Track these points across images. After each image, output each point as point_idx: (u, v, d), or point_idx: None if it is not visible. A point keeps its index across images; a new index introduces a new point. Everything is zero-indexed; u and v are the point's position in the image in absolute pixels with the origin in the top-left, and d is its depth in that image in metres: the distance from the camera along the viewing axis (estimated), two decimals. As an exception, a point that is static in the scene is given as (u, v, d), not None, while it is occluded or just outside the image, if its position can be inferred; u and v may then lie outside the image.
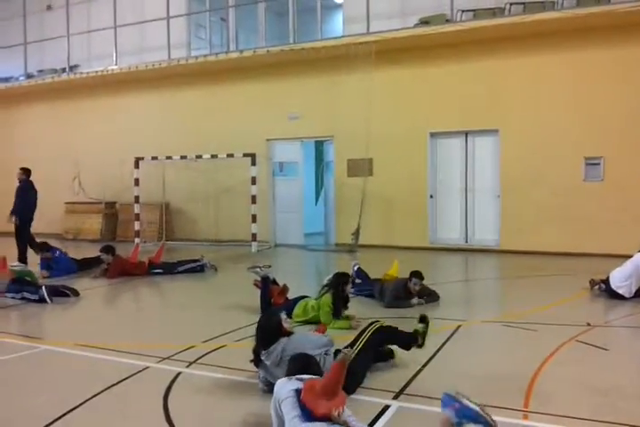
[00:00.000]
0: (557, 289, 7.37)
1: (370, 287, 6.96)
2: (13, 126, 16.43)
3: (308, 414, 2.78)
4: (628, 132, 10.04)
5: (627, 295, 6.40)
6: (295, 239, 12.77)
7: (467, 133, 11.57)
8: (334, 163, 12.64)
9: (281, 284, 6.42)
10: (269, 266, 6.54)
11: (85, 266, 9.33)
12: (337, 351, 3.90)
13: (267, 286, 6.26)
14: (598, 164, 10.37)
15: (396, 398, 3.73)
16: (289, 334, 3.98)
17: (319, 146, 14.25)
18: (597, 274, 7.13)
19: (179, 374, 4.31)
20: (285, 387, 3.01)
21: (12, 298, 7.21)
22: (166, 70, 13.46)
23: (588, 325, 5.43)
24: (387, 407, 3.57)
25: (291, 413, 2.83)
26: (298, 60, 12.23)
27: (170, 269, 8.95)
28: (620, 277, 6.46)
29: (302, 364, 3.35)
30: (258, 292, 6.86)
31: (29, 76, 15.39)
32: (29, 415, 3.62)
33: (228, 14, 13.41)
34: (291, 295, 6.28)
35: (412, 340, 4.21)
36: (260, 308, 6.19)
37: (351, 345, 3.96)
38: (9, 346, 5.16)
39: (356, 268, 7.57)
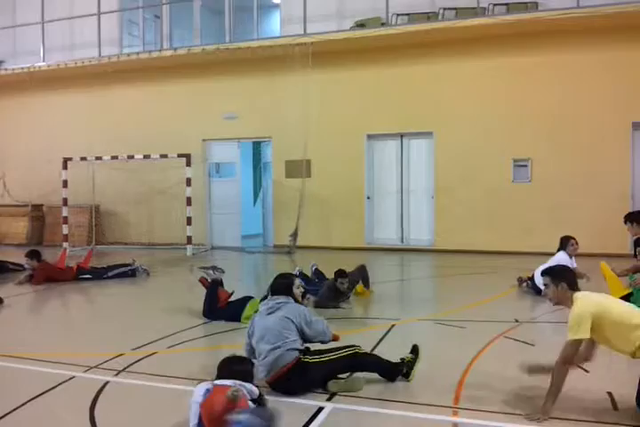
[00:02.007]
0: (487, 287, 7.61)
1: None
2: None
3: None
4: (555, 134, 10.52)
5: None
6: (232, 241, 12.60)
7: (402, 136, 11.78)
8: (272, 164, 12.57)
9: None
10: (223, 271, 6.39)
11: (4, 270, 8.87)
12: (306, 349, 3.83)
13: (215, 289, 6.14)
14: (526, 165, 10.81)
15: (329, 399, 3.72)
16: (296, 300, 4.03)
17: (257, 147, 14.15)
18: (525, 272, 7.42)
19: (106, 383, 4.14)
20: (199, 390, 2.97)
21: None
22: (97, 68, 12.97)
23: (516, 321, 5.63)
24: (320, 409, 3.56)
25: (191, 420, 2.92)
26: (234, 60, 12.09)
27: (99, 274, 8.61)
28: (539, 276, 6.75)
29: (230, 368, 3.25)
30: (193, 296, 6.73)
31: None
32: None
33: (161, 11, 13.09)
34: (233, 297, 6.20)
35: (396, 371, 3.91)
36: (203, 310, 6.07)
37: (319, 353, 3.83)
38: None
39: (314, 268, 7.61)
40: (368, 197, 11.90)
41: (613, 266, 6.01)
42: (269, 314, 3.92)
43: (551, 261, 6.73)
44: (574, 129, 10.43)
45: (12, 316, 6.73)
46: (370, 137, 11.90)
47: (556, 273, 3.51)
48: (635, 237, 5.99)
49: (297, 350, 3.77)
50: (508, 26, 10.14)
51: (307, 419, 3.41)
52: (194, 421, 2.91)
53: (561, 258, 6.71)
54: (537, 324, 5.77)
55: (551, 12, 9.82)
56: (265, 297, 5.47)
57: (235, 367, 3.24)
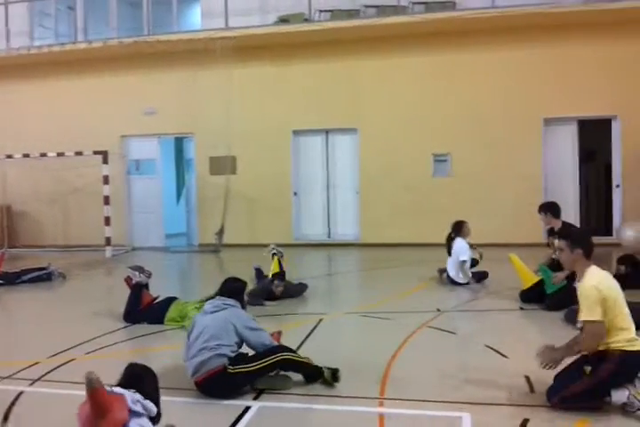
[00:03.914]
0: (410, 278, 7.82)
1: None
2: None
3: None
4: (472, 130, 10.95)
5: (461, 282, 6.94)
6: (155, 241, 12.23)
7: (327, 132, 11.86)
8: (195, 160, 12.30)
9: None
10: (150, 275, 6.15)
11: None
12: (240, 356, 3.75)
13: (139, 292, 5.91)
14: (445, 160, 11.18)
15: (256, 398, 3.68)
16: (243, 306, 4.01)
17: (179, 143, 13.79)
18: (444, 263, 7.65)
19: (20, 393, 3.90)
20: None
21: None
22: (5, 60, 12.18)
23: (438, 311, 5.82)
24: (248, 408, 3.52)
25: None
26: (154, 53, 11.71)
27: (12, 279, 8.09)
28: (450, 266, 7.05)
29: (128, 374, 3.07)
30: (113, 299, 6.48)
31: None
32: None
33: (75, 2, 12.45)
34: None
35: (317, 376, 3.84)
36: (125, 312, 5.85)
37: (247, 361, 3.73)
38: None
39: (256, 269, 7.56)
40: (295, 194, 11.90)
41: (522, 256, 6.34)
42: (212, 313, 3.86)
43: (454, 251, 7.00)
44: (490, 125, 10.90)
45: None
46: (295, 133, 11.90)
47: (574, 238, 3.39)
48: (547, 227, 6.31)
49: (226, 356, 3.67)
50: (426, 24, 10.43)
51: (233, 419, 3.36)
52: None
53: (462, 245, 7.01)
54: (457, 312, 5.98)
55: (467, 11, 10.19)
56: (210, 298, 5.40)
57: (135, 377, 3.05)
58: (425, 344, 4.75)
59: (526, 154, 10.83)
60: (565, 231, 3.68)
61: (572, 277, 5.80)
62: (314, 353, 4.04)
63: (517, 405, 3.40)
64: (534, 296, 5.92)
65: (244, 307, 4.08)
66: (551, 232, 6.09)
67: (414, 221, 11.10)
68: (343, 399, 3.62)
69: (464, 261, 6.93)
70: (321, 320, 5.63)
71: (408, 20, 10.51)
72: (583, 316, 3.15)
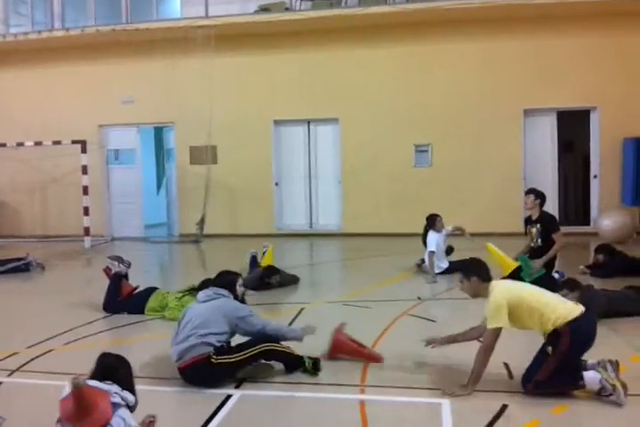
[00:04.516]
0: (392, 268, 7.87)
1: None
2: None
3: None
4: (453, 121, 10.99)
5: (437, 271, 6.99)
6: (135, 232, 12.10)
7: (309, 122, 11.82)
8: (175, 150, 12.18)
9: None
10: (129, 265, 6.10)
11: None
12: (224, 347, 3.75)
13: (119, 282, 5.89)
14: (426, 151, 11.23)
15: (237, 387, 3.69)
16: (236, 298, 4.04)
17: (158, 132, 13.63)
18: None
19: (-2, 384, 3.87)
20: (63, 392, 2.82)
21: None
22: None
23: (419, 299, 5.87)
24: (229, 397, 3.52)
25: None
26: (132, 41, 11.52)
27: (-11, 269, 7.98)
28: (426, 258, 7.14)
29: (103, 365, 3.03)
30: (92, 290, 6.43)
31: None
32: None
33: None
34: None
35: (297, 366, 3.89)
36: (104, 302, 5.82)
37: (231, 352, 3.75)
38: None
39: (251, 255, 7.45)
40: (276, 184, 11.86)
41: (501, 246, 6.39)
42: (204, 302, 3.92)
43: (430, 245, 7.08)
44: (470, 116, 10.95)
45: None
46: (277, 123, 11.83)
47: (464, 269, 3.67)
48: (527, 214, 6.33)
49: (212, 346, 3.68)
50: (407, 14, 10.41)
51: (214, 407, 3.37)
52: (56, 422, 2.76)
53: (431, 238, 7.10)
54: (437, 301, 6.04)
55: (448, 2, 10.15)
56: (192, 289, 5.35)
57: (109, 367, 3.03)
58: (405, 332, 4.79)
59: (506, 144, 10.92)
60: (459, 265, 4.08)
61: (549, 265, 5.92)
62: (295, 342, 4.05)
63: (496, 391, 3.45)
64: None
65: (236, 298, 4.09)
66: (528, 221, 6.16)
67: (396, 212, 11.14)
68: (324, 387, 3.65)
69: (432, 252, 7.01)
70: (302, 309, 5.65)
71: (389, 10, 10.48)
72: (489, 324, 3.43)
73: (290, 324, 5.10)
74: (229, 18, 10.84)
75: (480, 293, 3.58)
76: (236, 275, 4.21)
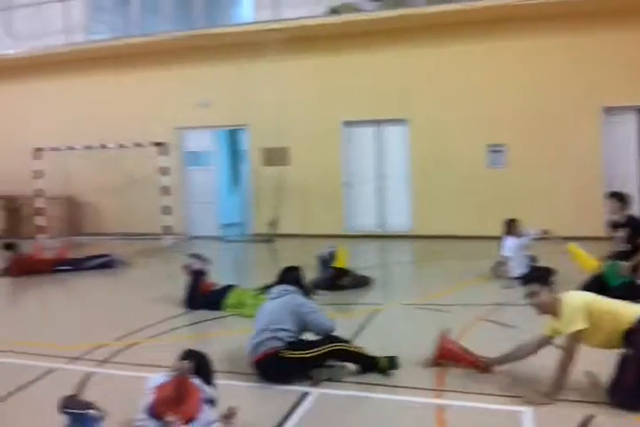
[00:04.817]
0: (465, 271, 7.69)
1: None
2: None
3: (152, 413, 2.86)
4: (529, 121, 10.62)
5: (515, 276, 6.77)
6: (210, 230, 12.48)
7: (378, 123, 11.79)
8: (249, 152, 12.48)
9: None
10: (209, 262, 6.37)
11: None
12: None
13: (198, 278, 6.10)
14: (501, 151, 10.92)
15: (314, 385, 3.75)
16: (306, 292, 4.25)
17: (233, 134, 14.02)
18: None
19: (89, 374, 4.12)
20: (156, 379, 2.97)
21: None
22: (65, 55, 12.64)
23: (496, 304, 5.73)
24: (306, 394, 3.59)
25: (140, 414, 2.92)
26: (207, 46, 11.90)
27: (77, 265, 8.48)
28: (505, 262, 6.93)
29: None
30: (172, 286, 6.68)
31: None
32: None
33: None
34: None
35: (371, 367, 3.88)
36: (184, 299, 6.04)
37: (301, 348, 3.84)
38: None
39: (328, 251, 7.27)
40: (346, 184, 11.91)
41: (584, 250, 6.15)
42: (274, 299, 4.09)
43: (505, 250, 6.88)
44: (547, 114, 10.54)
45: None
46: (346, 124, 11.87)
47: (538, 279, 3.64)
48: (611, 218, 6.05)
49: (283, 341, 3.79)
50: (477, 12, 10.14)
51: (291, 404, 3.44)
52: (145, 408, 2.91)
53: (509, 243, 6.90)
54: (516, 307, 5.86)
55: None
56: (267, 287, 5.54)
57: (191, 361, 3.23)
58: (482, 337, 4.70)
59: (585, 144, 10.43)
60: (533, 275, 4.02)
61: (635, 271, 5.63)
62: (370, 344, 4.08)
63: (580, 401, 3.33)
64: (595, 290, 5.73)
65: (306, 293, 4.25)
66: (614, 225, 5.88)
67: (468, 213, 10.90)
68: (400, 389, 3.65)
69: (506, 257, 6.84)
70: (377, 311, 5.65)
71: (458, 7, 10.21)
72: (568, 329, 3.35)
73: (364, 325, 5.12)
74: (300, 21, 10.97)
75: (550, 307, 3.47)
76: (299, 270, 4.40)
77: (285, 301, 4.01)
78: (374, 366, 3.87)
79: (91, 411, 2.71)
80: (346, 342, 3.90)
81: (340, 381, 3.79)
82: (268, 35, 10.94)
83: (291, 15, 11.04)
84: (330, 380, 3.80)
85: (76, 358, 4.49)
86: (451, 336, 4.14)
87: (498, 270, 7.18)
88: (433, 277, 7.68)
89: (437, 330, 4.18)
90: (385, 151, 11.84)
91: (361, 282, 6.83)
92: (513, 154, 10.84)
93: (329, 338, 3.86)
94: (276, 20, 11.14)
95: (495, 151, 10.96)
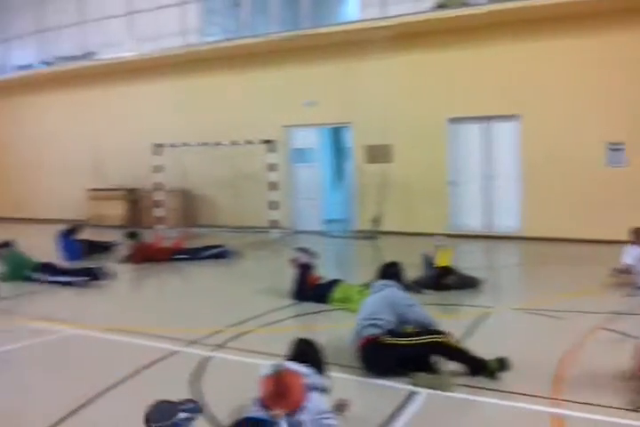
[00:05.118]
0: (581, 277, 7.29)
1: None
2: (32, 113, 16.55)
3: (260, 404, 2.93)
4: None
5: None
6: (315, 226, 12.75)
7: (486, 119, 11.41)
8: (353, 149, 12.59)
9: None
10: (316, 256, 6.57)
11: (96, 249, 9.50)
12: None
13: (305, 272, 6.28)
14: (621, 149, 10.19)
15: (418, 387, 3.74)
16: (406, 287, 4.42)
17: (336, 132, 14.20)
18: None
19: (206, 358, 4.39)
20: (266, 367, 3.06)
21: (42, 282, 7.32)
22: (181, 57, 13.41)
23: (615, 313, 5.39)
24: (413, 394, 3.59)
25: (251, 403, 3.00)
26: (314, 45, 12.11)
27: (193, 254, 9.02)
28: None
29: (299, 349, 3.37)
30: (280, 278, 6.91)
31: (47, 64, 15.46)
32: (65, 395, 3.73)
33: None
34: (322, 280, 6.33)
35: (479, 367, 3.80)
36: (292, 292, 6.23)
37: (400, 336, 3.92)
38: (42, 330, 5.29)
39: (425, 254, 7.11)
40: (451, 183, 11.67)
41: None
42: (374, 293, 4.27)
43: (629, 258, 6.39)
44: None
45: (115, 292, 7.25)
46: (452, 121, 11.61)
47: None
48: None
49: (382, 328, 3.92)
50: (594, 3, 9.49)
51: (399, 402, 3.46)
52: (254, 399, 3.00)
53: (631, 251, 6.41)
54: (637, 316, 5.49)
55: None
56: (370, 282, 5.63)
57: (304, 351, 3.35)
58: (601, 346, 4.46)
59: None
60: None
61: None
62: (479, 348, 3.99)
63: None
64: None
65: (405, 288, 4.39)
66: None
67: (584, 215, 10.27)
68: (512, 395, 3.55)
69: (628, 265, 6.38)
70: (486, 314, 5.50)
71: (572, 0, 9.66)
72: None
73: (472, 328, 5.02)
74: (406, 17, 10.85)
75: None
76: (397, 266, 4.56)
77: (384, 295, 4.15)
78: (483, 368, 3.80)
79: (181, 414, 2.49)
80: (447, 336, 3.87)
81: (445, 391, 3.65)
82: (374, 32, 10.95)
83: (396, 12, 10.96)
84: (432, 389, 3.65)
85: (194, 342, 4.80)
86: (536, 341, 3.95)
87: (618, 278, 6.73)
88: (544, 281, 7.33)
89: (556, 337, 4.01)
90: (493, 149, 11.45)
91: (468, 282, 6.65)
92: (635, 152, 10.07)
93: (428, 331, 3.90)
94: (382, 18, 11.11)
95: (615, 149, 10.24)
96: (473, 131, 11.56)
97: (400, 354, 3.82)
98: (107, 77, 14.96)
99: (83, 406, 3.54)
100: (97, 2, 14.77)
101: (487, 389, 3.65)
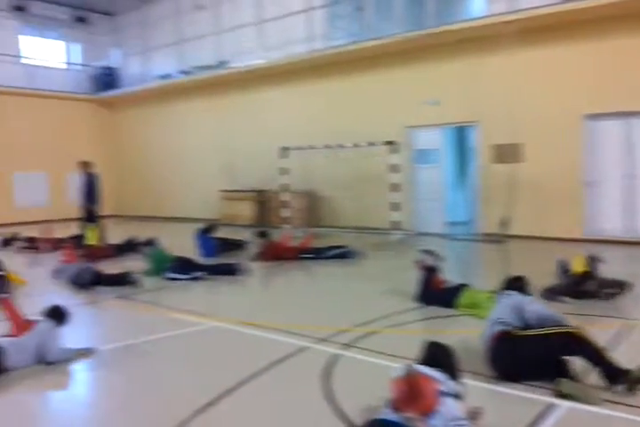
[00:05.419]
0: None
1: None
2: (172, 120, 17.94)
3: (392, 406, 2.95)
4: None
5: None
6: (437, 228, 12.52)
7: (627, 115, 10.51)
8: (478, 149, 12.20)
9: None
10: (442, 258, 6.52)
11: (229, 247, 10.02)
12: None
13: (430, 275, 6.23)
14: None
15: (560, 396, 3.55)
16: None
17: (460, 131, 13.85)
18: None
19: (335, 355, 4.50)
20: (396, 370, 3.04)
21: (179, 279, 7.88)
22: (306, 62, 13.83)
23: None
24: (551, 406, 3.42)
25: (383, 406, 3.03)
26: (437, 44, 11.94)
27: (318, 254, 9.27)
28: None
29: (431, 353, 3.33)
30: (403, 280, 6.89)
31: (184, 73, 16.67)
32: (204, 386, 4.00)
33: (364, 3, 13.34)
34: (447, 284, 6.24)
35: (618, 374, 3.51)
36: (417, 294, 6.19)
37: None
38: (181, 322, 5.72)
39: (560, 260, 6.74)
40: (588, 183, 10.89)
41: None
42: (500, 301, 4.32)
43: None
44: None
45: (248, 288, 7.69)
46: (588, 117, 10.84)
47: None
48: None
49: (510, 325, 3.92)
50: None
51: (535, 414, 3.31)
52: (386, 402, 3.02)
53: None
54: None
55: None
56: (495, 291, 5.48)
57: (437, 356, 3.31)
58: None
59: None
60: None
61: None
62: (623, 363, 3.69)
63: None
64: None
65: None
66: None
67: None
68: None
69: None
70: (631, 327, 5.05)
71: None
72: None
73: (615, 341, 4.65)
74: (535, 10, 10.27)
75: None
76: (522, 280, 4.64)
77: (508, 302, 4.16)
78: (623, 376, 3.49)
79: None
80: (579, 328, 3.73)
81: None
82: (502, 27, 10.54)
83: (525, 5, 10.45)
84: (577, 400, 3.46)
85: (323, 340, 4.93)
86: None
87: None
88: None
89: None
90: (635, 146, 10.52)
91: (614, 286, 6.04)
92: None
93: (558, 325, 3.82)
94: (510, 12, 10.65)
95: None
96: (612, 127, 10.72)
97: (532, 350, 3.69)
98: (238, 85, 15.84)
99: (219, 397, 3.72)
100: (230, 13, 15.68)
101: (629, 405, 3.36)
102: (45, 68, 18.63)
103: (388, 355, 4.43)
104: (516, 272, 5.07)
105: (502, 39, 10.57)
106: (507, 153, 11.29)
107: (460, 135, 14.11)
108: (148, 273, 8.01)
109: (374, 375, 4.03)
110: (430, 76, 12.46)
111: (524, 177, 11.14)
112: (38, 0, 18.08)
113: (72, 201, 12.42)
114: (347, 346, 4.76)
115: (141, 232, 11.32)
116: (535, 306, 4.09)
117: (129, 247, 10.12)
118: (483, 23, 10.97)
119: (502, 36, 10.54)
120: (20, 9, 17.83)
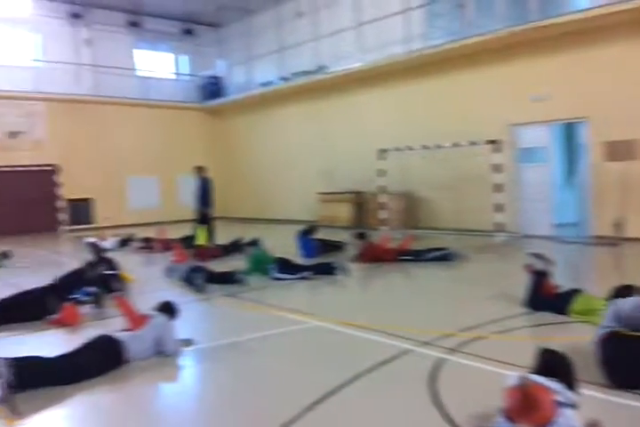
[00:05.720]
0: None
1: None
2: (274, 125, 18.49)
3: (506, 416, 2.86)
4: None
5: None
6: (544, 230, 11.93)
7: None
8: (588, 146, 11.49)
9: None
10: (553, 263, 6.24)
11: (328, 248, 10.18)
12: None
13: (541, 279, 5.97)
14: None
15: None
16: None
17: (568, 128, 13.11)
18: None
19: (441, 360, 4.43)
20: (510, 379, 2.94)
21: (286, 279, 8.09)
22: (404, 63, 13.73)
23: None
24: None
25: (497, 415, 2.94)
26: (541, 38, 11.44)
27: (418, 256, 9.15)
28: None
29: (546, 361, 3.19)
30: (509, 284, 6.65)
31: (284, 79, 17.12)
32: (308, 384, 4.08)
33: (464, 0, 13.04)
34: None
35: None
36: (526, 300, 5.94)
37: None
38: (284, 320, 5.88)
39: None
40: None
41: None
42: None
43: None
44: None
45: (348, 289, 7.78)
46: None
47: None
48: None
49: (617, 327, 3.83)
50: None
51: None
52: (500, 411, 2.93)
53: None
54: None
55: None
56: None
57: (553, 364, 3.17)
58: None
59: None
60: None
61: None
62: None
63: None
64: None
65: None
66: None
67: None
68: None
69: None
70: None
71: None
72: None
73: None
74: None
75: None
76: (632, 289, 4.47)
77: (612, 309, 4.10)
78: None
79: None
80: None
81: None
82: (613, 17, 9.90)
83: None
84: None
85: (427, 343, 4.87)
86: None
87: None
88: None
89: None
90: None
91: None
92: None
93: None
94: (620, 2, 9.96)
95: None
96: None
97: None
98: (336, 88, 16.04)
99: (324, 397, 3.77)
100: (328, 19, 15.93)
101: None
102: (157, 79, 19.92)
103: (497, 361, 4.30)
104: (631, 278, 4.75)
105: (613, 30, 9.95)
106: (620, 150, 10.58)
107: (569, 132, 13.37)
108: (248, 272, 8.31)
109: (482, 382, 3.93)
110: (535, 71, 11.95)
111: (639, 175, 10.36)
112: (151, 16, 19.37)
113: (182, 203, 13.18)
114: (452, 351, 4.67)
115: (246, 233, 11.75)
116: (630, 302, 4.01)
117: (235, 248, 10.56)
118: (592, 14, 10.38)
119: (613, 27, 9.92)
120: (134, 25, 19.23)
